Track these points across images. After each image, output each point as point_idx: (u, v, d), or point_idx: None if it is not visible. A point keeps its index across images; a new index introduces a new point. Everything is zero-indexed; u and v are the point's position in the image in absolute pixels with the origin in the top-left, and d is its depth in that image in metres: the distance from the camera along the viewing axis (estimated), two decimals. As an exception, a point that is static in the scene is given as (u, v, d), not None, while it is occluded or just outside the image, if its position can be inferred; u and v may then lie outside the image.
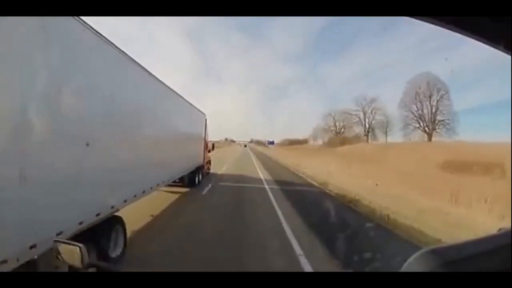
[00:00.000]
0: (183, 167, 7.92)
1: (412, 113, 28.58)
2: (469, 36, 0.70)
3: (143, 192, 4.76)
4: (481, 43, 0.70)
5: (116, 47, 3.72)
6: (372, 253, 3.52)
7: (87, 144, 3.07)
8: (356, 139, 34.79)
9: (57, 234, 2.55)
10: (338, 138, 37.23)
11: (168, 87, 6.29)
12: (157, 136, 5.74)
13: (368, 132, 35.62)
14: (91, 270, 1.06)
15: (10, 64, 2.10)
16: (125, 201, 4.01)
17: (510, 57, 0.67)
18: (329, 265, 4.05)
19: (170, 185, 7.53)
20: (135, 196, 4.39)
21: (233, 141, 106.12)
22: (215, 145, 18.44)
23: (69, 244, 1.13)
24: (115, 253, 3.70)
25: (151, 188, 5.23)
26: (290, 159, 27.80)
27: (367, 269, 3.14)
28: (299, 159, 26.41)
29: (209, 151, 12.89)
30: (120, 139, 3.97)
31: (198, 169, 10.05)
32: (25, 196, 2.17)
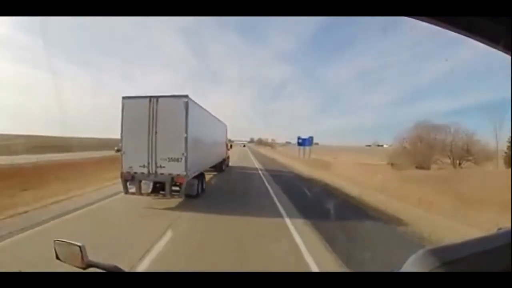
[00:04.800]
0: (219, 157, 15.10)
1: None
2: (468, 36, 0.70)
3: (209, 164, 11.83)
4: (480, 43, 0.70)
5: (210, 113, 11.53)
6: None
7: (203, 148, 10.01)
8: None
9: (194, 172, 8.38)
10: None
11: (215, 117, 13.17)
12: (212, 142, 12.47)
13: None
14: (91, 270, 1.06)
15: (200, 126, 9.18)
16: (204, 168, 10.29)
17: (509, 57, 0.67)
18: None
19: (207, 171, 13.72)
20: (208, 165, 11.33)
21: (231, 141, 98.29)
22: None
23: (69, 244, 1.13)
24: (204, 186, 9.66)
25: (211, 164, 12.43)
26: None
27: (366, 269, 3.14)
28: None
29: (228, 149, 19.40)
30: (207, 145, 10.90)
31: (224, 160, 16.88)
32: (198, 161, 8.88)
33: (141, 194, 7.55)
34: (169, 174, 7.40)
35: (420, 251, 0.52)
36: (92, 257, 1.10)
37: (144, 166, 7.45)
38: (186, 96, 7.44)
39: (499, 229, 0.62)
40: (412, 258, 0.52)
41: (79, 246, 1.08)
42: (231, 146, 21.88)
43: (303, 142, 25.40)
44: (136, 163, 7.49)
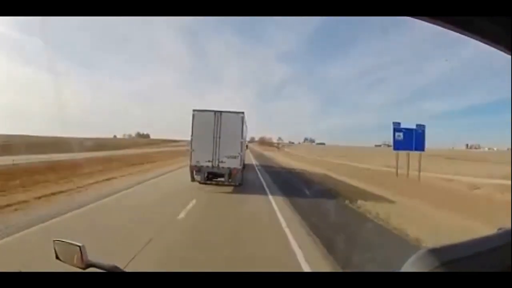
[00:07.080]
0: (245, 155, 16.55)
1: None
2: (469, 36, 0.70)
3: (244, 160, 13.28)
4: (481, 43, 0.70)
5: (246, 121, 13.03)
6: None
7: (239, 149, 11.41)
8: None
9: (242, 165, 11.58)
10: None
11: (245, 122, 14.79)
12: (245, 143, 14.48)
13: None
14: (90, 270, 1.06)
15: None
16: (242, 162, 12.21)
17: (510, 57, 0.67)
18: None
19: None
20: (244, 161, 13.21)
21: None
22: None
23: (69, 244, 1.13)
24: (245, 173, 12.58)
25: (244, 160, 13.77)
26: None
27: (366, 269, 3.14)
28: None
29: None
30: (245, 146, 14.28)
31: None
32: (244, 158, 12.61)
33: (205, 182, 10.60)
34: (228, 167, 10.47)
35: (420, 251, 0.52)
36: (91, 256, 1.10)
37: (209, 161, 10.44)
38: (243, 113, 10.92)
39: (499, 229, 0.62)
40: (412, 258, 0.52)
41: (79, 246, 1.08)
42: (247, 146, 26.80)
43: (408, 141, 11.56)
44: (202, 158, 10.45)
